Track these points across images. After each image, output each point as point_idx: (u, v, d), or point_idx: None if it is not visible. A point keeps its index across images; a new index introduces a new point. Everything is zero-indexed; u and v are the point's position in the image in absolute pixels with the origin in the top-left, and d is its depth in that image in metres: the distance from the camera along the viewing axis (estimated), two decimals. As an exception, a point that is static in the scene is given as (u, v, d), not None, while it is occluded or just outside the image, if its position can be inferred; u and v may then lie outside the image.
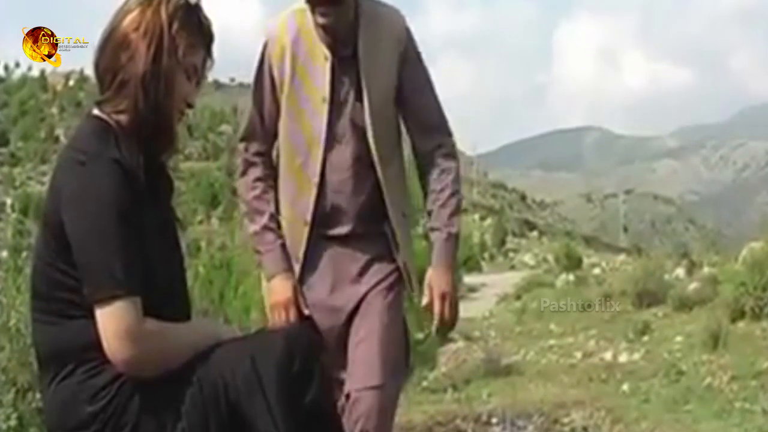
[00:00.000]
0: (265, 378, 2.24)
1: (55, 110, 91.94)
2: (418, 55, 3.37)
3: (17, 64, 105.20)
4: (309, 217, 3.31)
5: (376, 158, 3.30)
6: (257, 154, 3.39)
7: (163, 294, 2.33)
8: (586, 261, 28.00)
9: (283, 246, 3.33)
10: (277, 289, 3.30)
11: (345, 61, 3.27)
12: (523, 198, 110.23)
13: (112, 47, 2.37)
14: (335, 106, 3.26)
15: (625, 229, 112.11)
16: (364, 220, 3.34)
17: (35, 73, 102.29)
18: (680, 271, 16.97)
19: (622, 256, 34.69)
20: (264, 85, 3.34)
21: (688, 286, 14.13)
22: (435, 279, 3.33)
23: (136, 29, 2.36)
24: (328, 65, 3.25)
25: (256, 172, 3.38)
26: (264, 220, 3.34)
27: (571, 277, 21.99)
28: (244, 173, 3.41)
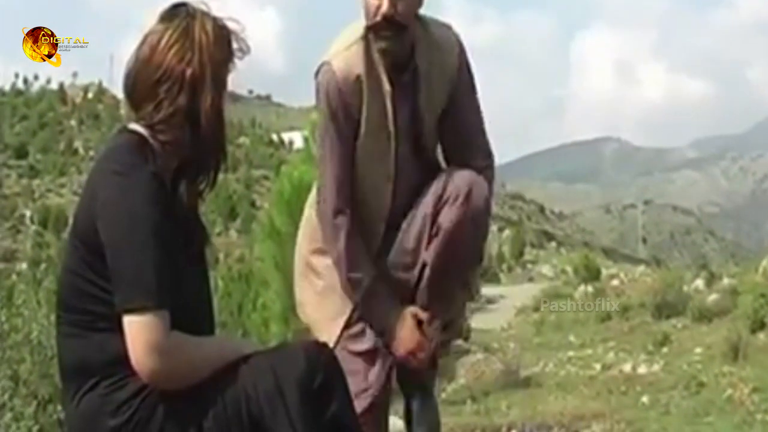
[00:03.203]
0: (287, 392, 2.25)
1: (73, 123, 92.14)
2: (471, 79, 3.28)
3: (36, 77, 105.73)
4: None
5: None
6: (341, 212, 3.21)
7: (187, 311, 2.32)
8: (604, 272, 27.91)
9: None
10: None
11: (402, 88, 3.18)
12: (542, 209, 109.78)
13: (151, 77, 2.36)
14: (398, 138, 3.19)
15: (644, 241, 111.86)
16: None
17: (54, 85, 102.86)
18: (699, 283, 16.91)
19: (641, 268, 34.54)
20: (341, 130, 3.17)
21: (708, 297, 14.11)
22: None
23: (179, 61, 2.35)
24: (389, 100, 3.16)
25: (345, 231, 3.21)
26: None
27: (590, 288, 21.95)
28: (336, 239, 3.21)
